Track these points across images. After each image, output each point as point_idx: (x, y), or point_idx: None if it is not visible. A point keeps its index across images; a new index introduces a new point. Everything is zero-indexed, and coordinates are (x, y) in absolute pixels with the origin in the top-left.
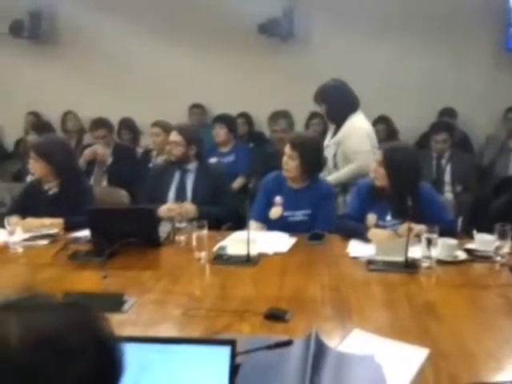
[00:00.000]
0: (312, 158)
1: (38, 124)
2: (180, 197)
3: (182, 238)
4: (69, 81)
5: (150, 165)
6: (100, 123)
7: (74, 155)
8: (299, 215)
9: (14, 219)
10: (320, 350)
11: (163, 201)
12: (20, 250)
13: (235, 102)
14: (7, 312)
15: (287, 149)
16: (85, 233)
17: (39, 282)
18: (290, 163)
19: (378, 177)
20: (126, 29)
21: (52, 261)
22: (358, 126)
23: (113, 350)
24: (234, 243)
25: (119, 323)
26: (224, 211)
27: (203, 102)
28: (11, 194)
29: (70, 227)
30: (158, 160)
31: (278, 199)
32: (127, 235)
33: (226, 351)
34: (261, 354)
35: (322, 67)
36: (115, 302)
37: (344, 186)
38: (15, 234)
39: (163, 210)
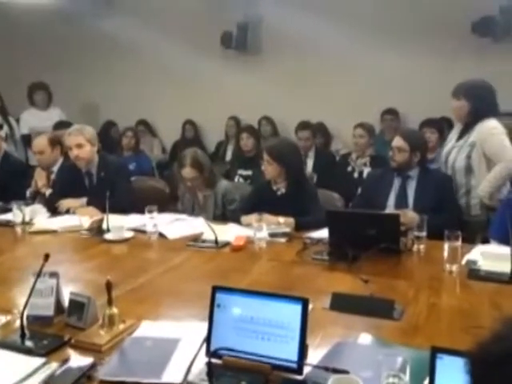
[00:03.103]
0: None
1: (246, 128)
2: (400, 204)
3: (421, 246)
4: (267, 87)
5: (349, 168)
6: (306, 125)
7: (302, 158)
8: None
9: (255, 216)
10: None
11: (382, 207)
12: (264, 245)
13: (435, 105)
14: None
15: None
16: (318, 234)
17: (292, 280)
18: None
19: None
20: (328, 32)
21: (297, 259)
22: (493, 125)
23: None
24: (488, 259)
25: (393, 329)
26: (449, 220)
27: (397, 106)
28: (239, 193)
29: (299, 227)
30: (358, 163)
31: None
32: (367, 240)
33: None
34: None
35: None
36: (385, 308)
37: None
38: (262, 230)
39: None
